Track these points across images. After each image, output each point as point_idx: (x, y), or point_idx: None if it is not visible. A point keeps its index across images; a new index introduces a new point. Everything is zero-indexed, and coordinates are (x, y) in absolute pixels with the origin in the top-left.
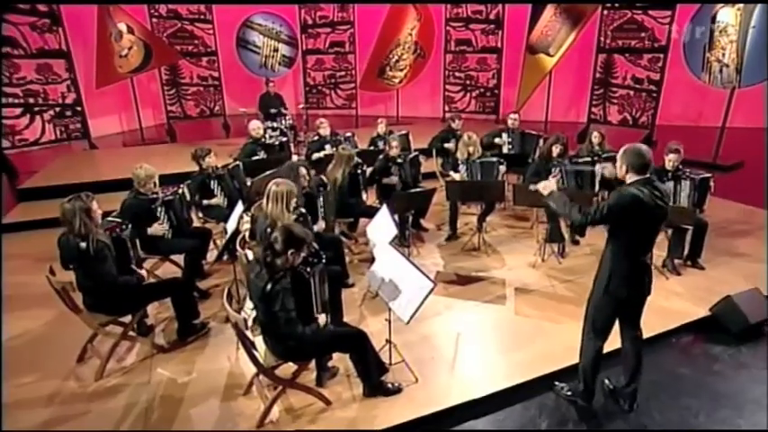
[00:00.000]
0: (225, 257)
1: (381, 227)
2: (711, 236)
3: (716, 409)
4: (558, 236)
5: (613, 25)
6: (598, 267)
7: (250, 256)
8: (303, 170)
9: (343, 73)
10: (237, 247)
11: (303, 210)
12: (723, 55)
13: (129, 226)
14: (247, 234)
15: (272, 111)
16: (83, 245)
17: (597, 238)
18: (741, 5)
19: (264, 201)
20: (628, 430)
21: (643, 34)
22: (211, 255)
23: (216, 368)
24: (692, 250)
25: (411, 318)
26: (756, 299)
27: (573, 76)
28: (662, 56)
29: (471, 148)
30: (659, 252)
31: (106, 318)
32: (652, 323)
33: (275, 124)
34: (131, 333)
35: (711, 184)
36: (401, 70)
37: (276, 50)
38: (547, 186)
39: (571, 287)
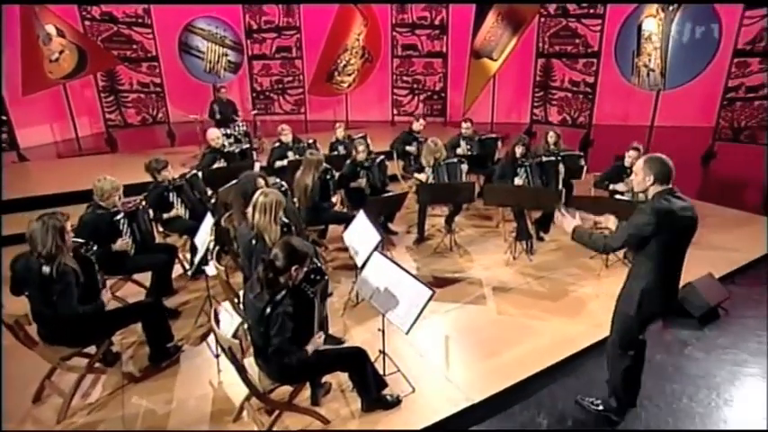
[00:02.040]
0: (190, 273)
1: (361, 233)
2: None
3: (696, 391)
4: (525, 234)
5: (550, 32)
6: (625, 284)
7: (211, 271)
8: (261, 181)
9: (290, 78)
10: (215, 263)
11: (286, 220)
12: (650, 60)
13: (95, 246)
14: (211, 246)
15: (218, 117)
16: (46, 269)
17: (560, 233)
18: (662, 16)
19: (251, 211)
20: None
21: (577, 40)
22: (175, 271)
23: (198, 395)
24: None
25: (411, 327)
26: (712, 283)
27: (515, 79)
28: (595, 60)
29: (437, 155)
30: None
31: (69, 350)
32: None
33: (229, 131)
34: (97, 364)
35: None
36: (349, 75)
37: (222, 56)
38: (570, 224)
39: (545, 284)
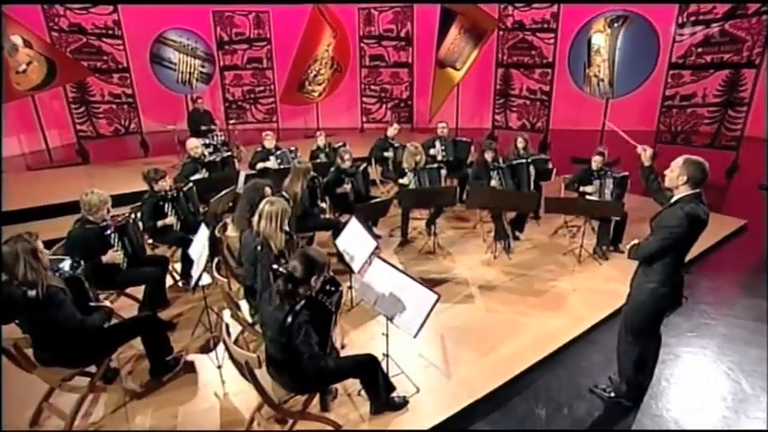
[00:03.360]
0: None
1: (355, 239)
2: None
3: (673, 374)
4: (503, 234)
5: (509, 44)
6: (638, 277)
7: (206, 280)
8: (268, 189)
9: (262, 88)
10: (215, 274)
11: (287, 229)
12: (599, 71)
13: (81, 263)
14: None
15: (203, 128)
16: (31, 293)
17: (533, 232)
18: (609, 31)
19: (256, 219)
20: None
21: (533, 52)
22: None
23: (204, 408)
24: (615, 237)
25: (418, 332)
26: None
27: (477, 87)
28: (550, 70)
29: (418, 157)
30: (588, 241)
31: (69, 371)
32: (601, 305)
33: (208, 141)
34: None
35: (629, 181)
36: (320, 84)
37: (193, 67)
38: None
39: (526, 281)
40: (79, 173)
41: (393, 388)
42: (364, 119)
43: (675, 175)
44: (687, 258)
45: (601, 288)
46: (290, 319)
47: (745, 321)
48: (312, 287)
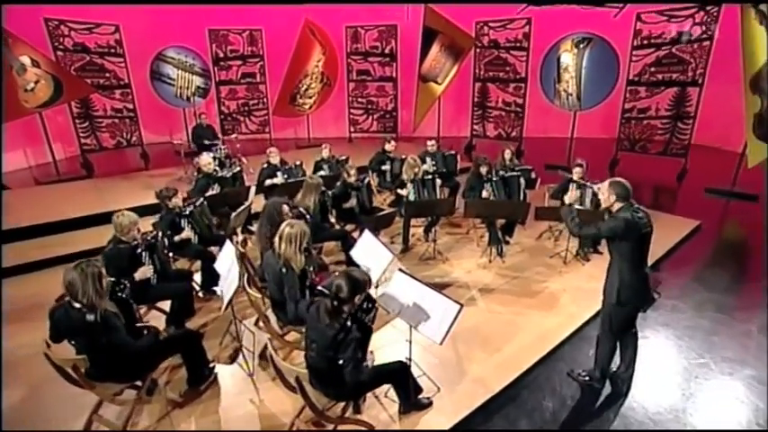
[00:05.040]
0: (201, 294)
1: (370, 251)
2: None
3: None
4: (496, 239)
5: (485, 60)
6: (606, 281)
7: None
8: (285, 207)
9: (255, 101)
10: (247, 288)
11: (306, 246)
12: (568, 86)
13: (128, 285)
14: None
15: (206, 142)
16: (90, 317)
17: (521, 236)
18: (576, 51)
19: (277, 241)
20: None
21: (508, 68)
22: None
23: (242, 413)
24: (594, 240)
25: (444, 339)
26: (649, 273)
27: (457, 99)
28: (523, 85)
29: (417, 169)
30: (571, 244)
31: (119, 386)
32: (588, 304)
33: (213, 154)
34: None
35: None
36: (310, 97)
37: (191, 82)
38: (568, 198)
39: (520, 283)
40: (87, 187)
41: (420, 390)
42: (352, 129)
43: (606, 197)
44: (655, 258)
45: (587, 287)
46: (341, 336)
47: (710, 313)
48: (355, 305)
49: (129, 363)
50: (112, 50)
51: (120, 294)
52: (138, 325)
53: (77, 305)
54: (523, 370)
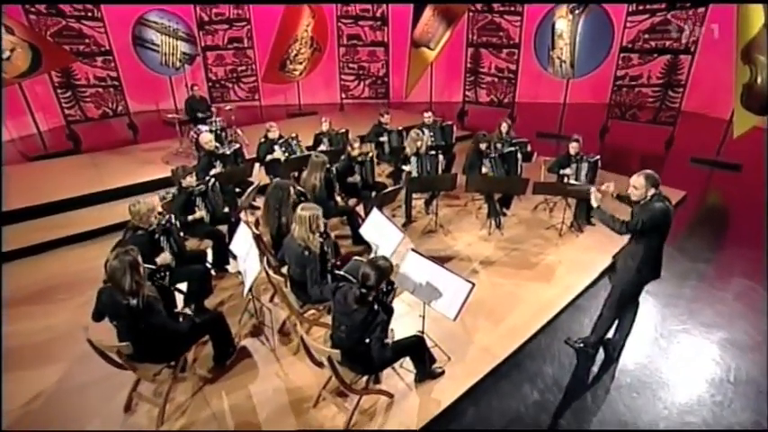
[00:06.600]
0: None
1: (379, 228)
2: None
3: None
4: (494, 212)
5: (478, 25)
6: (624, 257)
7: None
8: (292, 189)
9: (243, 67)
10: (267, 270)
11: (322, 228)
12: (562, 53)
13: (168, 273)
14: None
15: (200, 114)
16: (133, 302)
17: (517, 208)
18: (571, 18)
19: (294, 225)
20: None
21: (501, 33)
22: None
23: (271, 387)
24: (587, 213)
25: (457, 315)
26: None
27: (449, 65)
28: (516, 51)
29: (419, 143)
30: (567, 216)
31: (158, 366)
32: (582, 276)
33: (207, 127)
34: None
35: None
36: (300, 63)
37: (176, 48)
38: (595, 200)
39: (519, 255)
40: (81, 163)
41: (434, 360)
42: (343, 95)
43: (644, 191)
44: None
45: (582, 259)
46: (370, 319)
47: (692, 282)
48: (380, 291)
49: (170, 344)
50: (89, 14)
51: (161, 282)
52: (176, 310)
53: (121, 290)
54: (526, 338)
